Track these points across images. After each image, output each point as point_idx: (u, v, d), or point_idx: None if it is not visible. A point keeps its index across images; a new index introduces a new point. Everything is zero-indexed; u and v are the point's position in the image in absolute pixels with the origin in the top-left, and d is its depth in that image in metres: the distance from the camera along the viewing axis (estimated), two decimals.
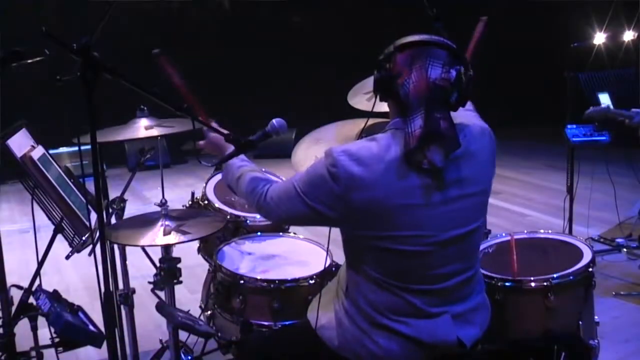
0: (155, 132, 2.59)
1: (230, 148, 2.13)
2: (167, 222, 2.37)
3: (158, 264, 2.47)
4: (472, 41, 2.64)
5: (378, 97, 1.84)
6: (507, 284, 2.40)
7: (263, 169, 3.27)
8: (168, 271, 2.43)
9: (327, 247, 2.44)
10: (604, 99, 4.31)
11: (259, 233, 2.89)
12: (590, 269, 2.43)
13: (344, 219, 1.81)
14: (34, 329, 2.36)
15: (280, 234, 2.91)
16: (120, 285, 2.78)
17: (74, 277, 4.40)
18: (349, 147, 1.78)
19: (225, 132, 2.12)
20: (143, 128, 2.62)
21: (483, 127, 1.93)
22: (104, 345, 2.05)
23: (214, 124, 2.19)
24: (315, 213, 1.82)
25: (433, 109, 1.73)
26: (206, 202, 2.97)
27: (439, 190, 1.78)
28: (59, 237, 2.47)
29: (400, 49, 1.77)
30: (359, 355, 1.88)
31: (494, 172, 1.95)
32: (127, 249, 2.75)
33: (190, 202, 3.04)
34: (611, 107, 4.08)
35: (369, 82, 2.36)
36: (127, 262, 2.79)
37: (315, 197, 1.81)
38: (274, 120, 2.52)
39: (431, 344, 1.84)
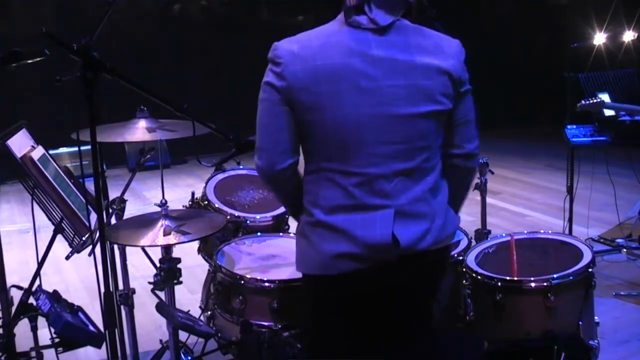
0: (157, 135, 2.58)
1: None
2: (167, 223, 2.37)
3: (158, 264, 2.47)
4: None
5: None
6: (507, 284, 2.40)
7: None
8: (168, 271, 2.43)
9: None
10: (604, 99, 4.30)
11: (258, 233, 2.89)
12: (590, 270, 2.44)
13: (290, 97, 1.78)
14: (34, 329, 2.36)
15: (280, 234, 2.91)
16: (120, 286, 2.77)
17: (74, 277, 4.40)
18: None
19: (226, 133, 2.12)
20: (144, 130, 2.61)
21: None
22: (104, 345, 2.05)
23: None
24: (276, 112, 1.79)
25: None
26: (206, 202, 2.97)
27: (380, 59, 1.76)
28: (59, 237, 2.47)
29: None
30: (309, 267, 1.89)
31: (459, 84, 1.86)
32: (127, 249, 2.75)
33: (190, 202, 3.04)
34: (606, 100, 4.07)
35: None
36: (127, 262, 2.79)
37: (266, 95, 1.81)
38: None
39: (362, 240, 1.78)
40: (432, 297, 2.04)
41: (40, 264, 2.45)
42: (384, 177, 1.79)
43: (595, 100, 3.97)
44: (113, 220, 2.69)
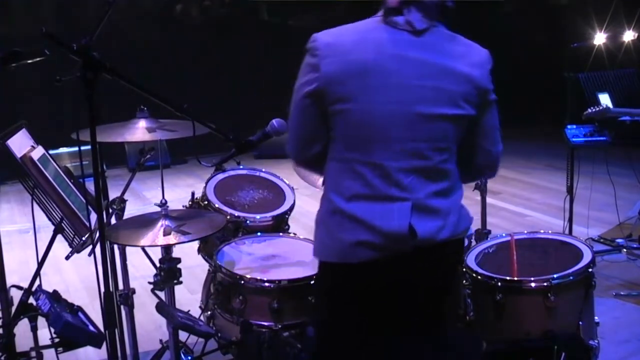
0: (157, 135, 2.58)
1: None
2: (167, 223, 2.37)
3: (158, 264, 2.47)
4: None
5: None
6: (507, 284, 2.40)
7: (263, 169, 3.30)
8: (168, 271, 2.43)
9: None
10: (604, 99, 4.30)
11: (258, 233, 2.89)
12: (590, 269, 2.44)
13: (323, 87, 1.83)
14: (34, 329, 2.36)
15: (280, 234, 2.91)
16: (120, 286, 2.77)
17: (74, 277, 4.40)
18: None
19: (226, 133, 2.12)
20: (144, 130, 2.61)
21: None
22: (104, 345, 2.05)
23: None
24: (306, 104, 1.85)
25: None
26: (206, 202, 2.97)
27: (413, 59, 1.81)
28: (59, 237, 2.47)
29: None
30: (327, 254, 1.92)
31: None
32: (127, 249, 2.75)
33: (190, 202, 3.04)
34: (610, 106, 4.08)
35: None
36: (127, 262, 2.79)
37: (300, 85, 1.87)
38: (273, 121, 2.53)
39: (380, 230, 1.81)
40: (446, 291, 2.05)
41: (40, 264, 2.45)
42: (402, 171, 1.83)
43: (601, 108, 3.98)
44: (113, 220, 2.69)
